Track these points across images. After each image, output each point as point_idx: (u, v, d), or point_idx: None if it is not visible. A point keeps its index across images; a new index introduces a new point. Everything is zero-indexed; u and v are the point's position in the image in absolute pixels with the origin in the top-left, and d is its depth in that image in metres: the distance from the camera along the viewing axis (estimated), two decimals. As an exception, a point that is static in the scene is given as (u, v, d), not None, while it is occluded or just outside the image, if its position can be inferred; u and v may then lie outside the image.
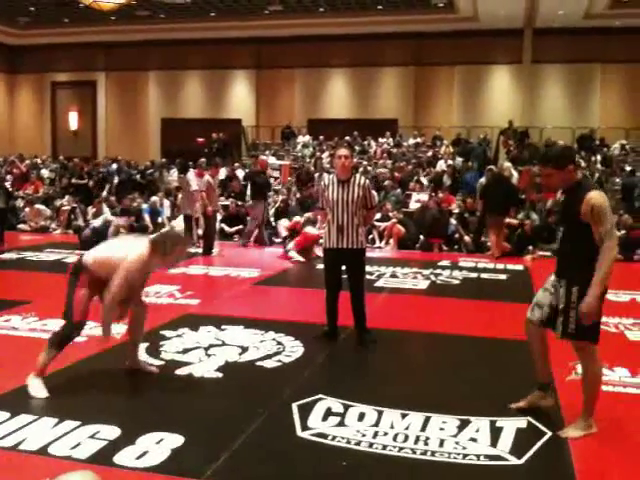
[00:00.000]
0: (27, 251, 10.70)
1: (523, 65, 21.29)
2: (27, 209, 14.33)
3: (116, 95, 25.14)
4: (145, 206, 14.10)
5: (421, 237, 11.85)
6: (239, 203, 14.18)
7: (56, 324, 5.76)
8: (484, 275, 9.15)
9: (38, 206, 14.39)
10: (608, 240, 3.52)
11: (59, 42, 23.86)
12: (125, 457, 3.32)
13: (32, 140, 25.05)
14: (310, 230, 10.58)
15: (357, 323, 5.68)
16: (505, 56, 21.50)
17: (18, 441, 3.48)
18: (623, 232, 11.03)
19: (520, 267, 9.83)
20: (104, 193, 15.27)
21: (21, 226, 13.96)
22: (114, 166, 18.18)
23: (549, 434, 3.72)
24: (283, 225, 11.02)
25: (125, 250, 4.24)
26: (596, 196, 3.56)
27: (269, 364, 4.95)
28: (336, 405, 4.09)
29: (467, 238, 11.54)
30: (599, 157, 16.80)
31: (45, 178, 17.69)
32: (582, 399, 3.83)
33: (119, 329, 5.38)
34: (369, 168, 16.09)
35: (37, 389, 4.19)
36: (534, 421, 3.88)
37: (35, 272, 8.95)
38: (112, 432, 3.59)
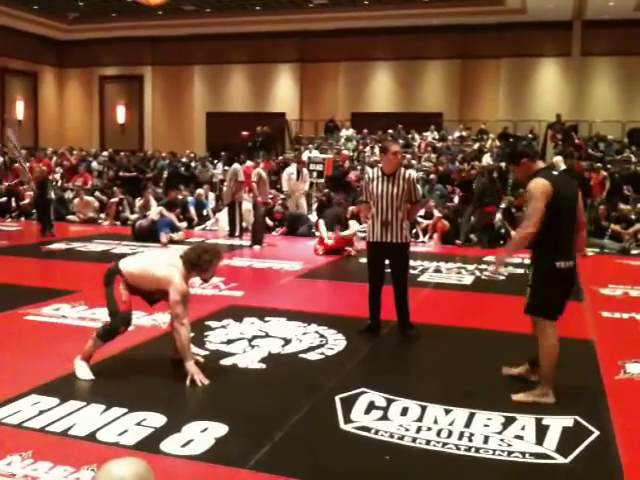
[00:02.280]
0: (76, 242, 10.93)
1: (572, 58, 20.82)
2: (76, 200, 14.63)
3: (162, 89, 25.47)
4: (190, 199, 14.28)
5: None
6: (282, 197, 14.25)
7: (104, 313, 5.90)
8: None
9: (87, 198, 14.68)
10: (527, 220, 3.98)
11: (107, 37, 24.27)
12: (171, 445, 3.37)
13: (80, 133, 25.58)
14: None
15: (400, 318, 5.65)
16: (553, 49, 21.05)
17: (67, 427, 3.57)
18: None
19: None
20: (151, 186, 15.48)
21: (70, 217, 14.26)
22: (166, 161, 18.46)
23: (596, 433, 3.65)
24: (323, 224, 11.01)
25: (161, 268, 4.36)
26: (533, 182, 3.98)
27: (312, 356, 4.96)
28: (379, 399, 4.08)
29: (514, 234, 11.32)
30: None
31: (94, 170, 18.02)
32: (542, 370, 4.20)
33: (165, 319, 5.47)
34: (413, 162, 15.97)
35: (83, 372, 4.35)
36: (581, 420, 3.81)
37: (84, 262, 9.13)
38: (158, 420, 3.66)
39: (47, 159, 16.65)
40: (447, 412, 3.90)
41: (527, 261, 9.46)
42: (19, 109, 24.63)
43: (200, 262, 4.37)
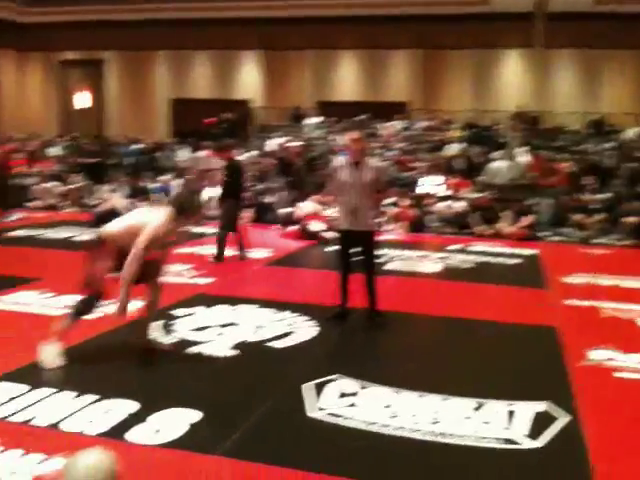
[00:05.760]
0: (38, 229, 10.71)
1: (534, 49, 21.07)
2: (36, 187, 14.33)
3: (125, 74, 25.01)
4: (156, 185, 14.11)
5: None
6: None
7: (68, 300, 5.82)
8: (495, 259, 9.11)
9: (47, 184, 14.38)
10: None
11: (67, 20, 23.70)
12: (141, 432, 3.36)
13: (41, 118, 24.97)
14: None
15: (368, 304, 5.69)
16: (516, 40, 21.25)
17: (37, 414, 3.52)
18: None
19: (533, 251, 9.74)
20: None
21: (30, 204, 13.96)
22: (132, 147, 18.13)
23: (564, 419, 3.72)
24: (305, 207, 11.14)
25: (147, 217, 4.32)
26: None
27: (282, 344, 4.96)
28: (350, 385, 4.11)
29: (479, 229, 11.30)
30: (611, 143, 16.63)
31: (54, 157, 17.64)
32: None
33: (135, 305, 5.39)
34: (379, 151, 15.98)
35: (48, 356, 4.25)
36: (549, 406, 3.88)
37: (47, 249, 8.96)
38: (130, 407, 3.63)
39: (10, 145, 16.22)
40: (418, 398, 3.94)
41: (497, 250, 9.65)
42: (-24, 93, 23.98)
43: (185, 207, 4.35)
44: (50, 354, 4.26)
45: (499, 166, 13.45)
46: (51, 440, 3.25)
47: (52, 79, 25.72)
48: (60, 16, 23.60)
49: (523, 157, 14.14)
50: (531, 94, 20.76)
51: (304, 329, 5.35)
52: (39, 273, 7.14)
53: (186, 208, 4.36)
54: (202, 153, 11.93)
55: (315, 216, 10.60)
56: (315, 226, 10.32)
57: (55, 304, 5.82)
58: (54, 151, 18.13)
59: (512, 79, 21.54)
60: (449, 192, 12.77)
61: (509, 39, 21.25)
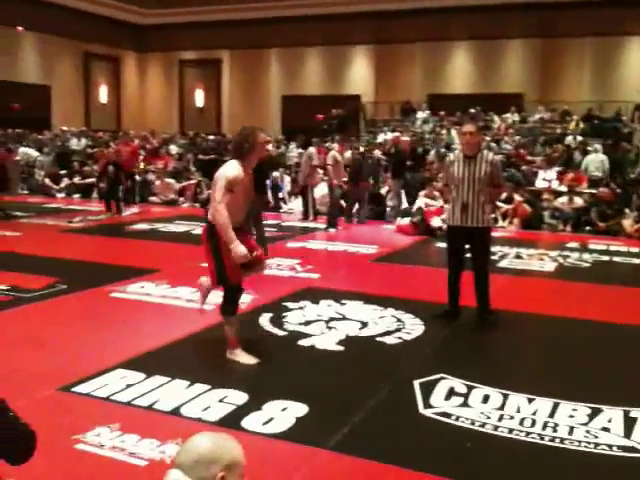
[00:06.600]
0: (158, 222, 11.23)
1: (662, 36, 19.86)
2: (157, 183, 15.01)
3: (239, 72, 25.76)
4: (266, 181, 14.36)
5: None
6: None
7: (186, 292, 6.07)
8: (616, 258, 8.66)
9: (167, 180, 15.03)
10: None
11: (186, 21, 24.71)
12: (252, 422, 3.43)
13: (160, 116, 26.19)
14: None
15: (480, 304, 5.54)
16: (640, 27, 20.12)
17: (153, 401, 3.68)
18: None
19: (656, 251, 9.21)
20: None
21: (152, 199, 14.65)
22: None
23: (690, 428, 3.48)
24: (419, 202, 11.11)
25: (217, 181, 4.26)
26: None
27: (389, 340, 4.93)
28: (459, 385, 4.02)
29: (602, 224, 10.79)
30: None
31: (174, 154, 18.40)
32: None
33: (244, 299, 5.54)
34: (492, 144, 15.57)
35: (245, 358, 4.36)
36: (674, 414, 3.64)
37: (166, 242, 9.36)
38: (240, 397, 3.72)
39: (133, 142, 17.01)
40: (530, 401, 3.80)
41: (618, 249, 9.16)
42: (103, 93, 25.43)
43: (244, 144, 4.26)
44: (243, 357, 4.37)
45: (592, 159, 12.90)
46: (169, 426, 3.38)
47: (171, 78, 26.89)
48: (179, 17, 24.63)
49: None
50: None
51: (411, 326, 5.30)
52: (160, 265, 7.46)
53: (242, 149, 4.26)
54: (311, 149, 12.10)
55: (434, 211, 10.49)
56: (436, 222, 10.19)
57: (171, 294, 6.08)
58: (174, 148, 18.91)
59: (636, 67, 20.36)
60: (565, 187, 12.24)
61: (633, 25, 20.10)
